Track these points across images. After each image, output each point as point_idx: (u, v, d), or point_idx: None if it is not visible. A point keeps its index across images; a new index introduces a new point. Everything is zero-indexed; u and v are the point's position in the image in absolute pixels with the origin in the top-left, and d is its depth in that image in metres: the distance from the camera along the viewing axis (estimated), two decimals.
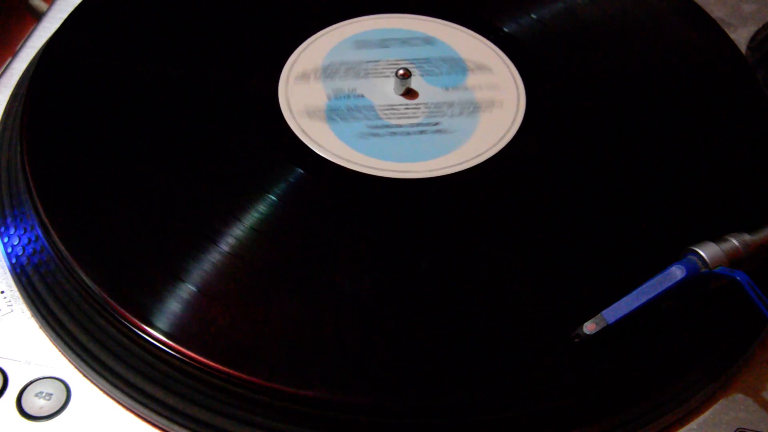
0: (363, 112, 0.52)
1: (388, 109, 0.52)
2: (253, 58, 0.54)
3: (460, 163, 0.49)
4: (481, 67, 0.54)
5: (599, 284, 0.44)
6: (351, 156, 0.49)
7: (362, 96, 0.53)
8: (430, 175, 0.48)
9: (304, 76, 0.53)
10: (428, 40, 0.55)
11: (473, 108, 0.52)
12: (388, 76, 0.54)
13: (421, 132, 0.51)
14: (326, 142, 0.50)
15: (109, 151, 0.48)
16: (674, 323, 0.43)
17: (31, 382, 0.42)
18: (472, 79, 0.53)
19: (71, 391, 0.42)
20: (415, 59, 0.55)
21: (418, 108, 0.52)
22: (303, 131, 0.50)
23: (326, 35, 0.56)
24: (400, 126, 0.51)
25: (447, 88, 0.53)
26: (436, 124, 0.51)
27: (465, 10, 0.58)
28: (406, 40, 0.56)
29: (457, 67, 0.54)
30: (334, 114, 0.51)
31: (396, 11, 0.58)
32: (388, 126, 0.51)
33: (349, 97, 0.52)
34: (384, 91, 0.53)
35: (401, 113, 0.52)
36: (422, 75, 0.54)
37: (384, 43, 0.56)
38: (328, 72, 0.53)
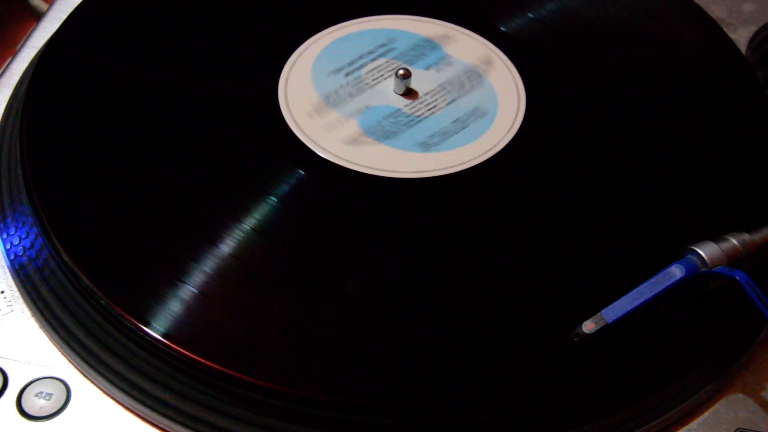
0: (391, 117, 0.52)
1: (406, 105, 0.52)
2: (253, 59, 0.54)
3: (461, 163, 0.49)
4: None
5: (599, 284, 0.44)
6: (352, 156, 0.49)
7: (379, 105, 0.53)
8: (431, 175, 0.48)
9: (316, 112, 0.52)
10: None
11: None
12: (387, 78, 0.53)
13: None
14: (326, 142, 0.50)
15: (109, 151, 0.48)
16: (674, 323, 0.43)
17: (31, 382, 0.42)
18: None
19: (71, 391, 0.42)
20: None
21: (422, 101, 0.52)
22: (303, 132, 0.50)
23: (326, 37, 0.56)
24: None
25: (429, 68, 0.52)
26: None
27: (465, 10, 0.58)
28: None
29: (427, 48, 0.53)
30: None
31: (394, 12, 0.58)
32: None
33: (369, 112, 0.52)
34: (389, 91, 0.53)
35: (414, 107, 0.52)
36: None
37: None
38: (330, 100, 0.52)
